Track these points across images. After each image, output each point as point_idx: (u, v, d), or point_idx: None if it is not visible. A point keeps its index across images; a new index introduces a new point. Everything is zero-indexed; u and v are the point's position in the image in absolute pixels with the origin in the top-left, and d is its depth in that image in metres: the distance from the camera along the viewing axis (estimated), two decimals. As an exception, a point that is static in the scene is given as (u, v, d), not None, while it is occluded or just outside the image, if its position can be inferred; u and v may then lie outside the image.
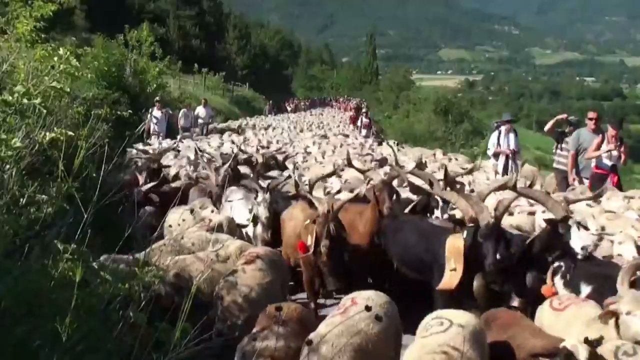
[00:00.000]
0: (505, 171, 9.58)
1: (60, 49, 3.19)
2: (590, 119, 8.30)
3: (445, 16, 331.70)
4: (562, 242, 4.12)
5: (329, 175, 6.98)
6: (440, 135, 32.61)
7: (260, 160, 8.66)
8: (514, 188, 4.56)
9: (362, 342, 2.95)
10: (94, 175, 3.17)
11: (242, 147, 11.20)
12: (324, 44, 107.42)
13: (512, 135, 9.90)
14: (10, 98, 2.65)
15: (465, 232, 4.02)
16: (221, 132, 18.86)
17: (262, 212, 5.48)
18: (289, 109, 45.37)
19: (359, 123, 25.03)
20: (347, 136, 20.79)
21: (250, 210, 5.68)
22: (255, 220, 5.55)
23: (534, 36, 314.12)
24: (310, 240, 4.57)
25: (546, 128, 9.34)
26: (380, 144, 19.43)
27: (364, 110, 27.87)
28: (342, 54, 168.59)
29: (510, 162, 9.75)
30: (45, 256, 2.78)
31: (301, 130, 24.80)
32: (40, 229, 2.91)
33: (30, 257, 2.77)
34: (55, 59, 3.06)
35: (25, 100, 2.71)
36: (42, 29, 4.85)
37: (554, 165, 9.18)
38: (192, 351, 2.63)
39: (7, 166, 2.81)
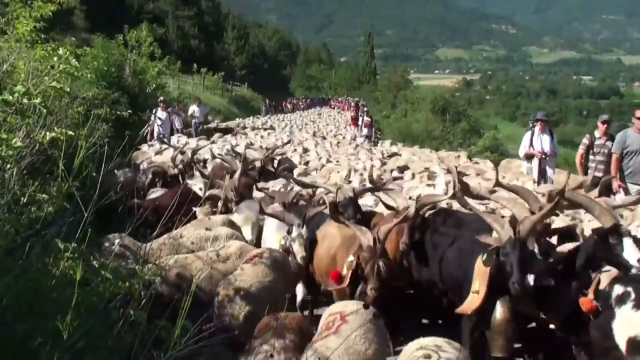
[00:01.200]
0: (541, 175, 8.78)
1: (60, 49, 3.20)
2: (639, 119, 7.26)
3: (443, 16, 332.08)
4: (613, 254, 3.52)
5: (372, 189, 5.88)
6: (438, 134, 32.71)
7: (257, 164, 8.16)
8: (561, 194, 3.90)
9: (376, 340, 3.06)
10: (94, 174, 3.19)
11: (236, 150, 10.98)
12: (322, 44, 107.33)
13: (546, 136, 8.98)
14: (11, 98, 2.65)
15: (485, 255, 3.55)
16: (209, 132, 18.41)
17: (298, 251, 4.54)
18: (286, 109, 45.31)
19: (359, 122, 24.89)
20: (354, 139, 20.25)
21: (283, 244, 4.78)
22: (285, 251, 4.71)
23: (531, 35, 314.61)
24: (346, 271, 3.98)
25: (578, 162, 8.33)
26: (375, 144, 19.32)
27: (365, 109, 27.73)
28: (340, 54, 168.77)
29: (544, 165, 8.90)
30: (46, 255, 2.80)
31: (299, 130, 24.72)
32: (40, 228, 2.93)
33: (31, 255, 2.78)
34: (55, 59, 3.07)
35: (25, 100, 2.71)
36: (41, 29, 4.86)
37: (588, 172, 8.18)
38: (192, 349, 2.65)
39: (8, 165, 2.83)
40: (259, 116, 34.82)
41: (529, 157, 9.07)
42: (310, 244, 4.71)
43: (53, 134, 3.00)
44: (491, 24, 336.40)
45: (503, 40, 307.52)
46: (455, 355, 2.83)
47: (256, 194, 6.67)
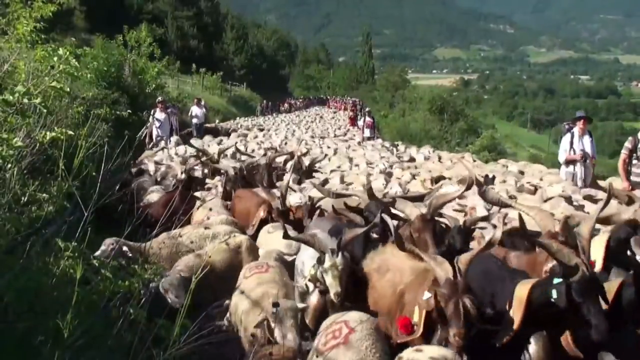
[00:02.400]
0: (585, 182, 8.08)
1: (60, 49, 3.22)
2: None
3: (441, 15, 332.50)
4: None
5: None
6: (436, 133, 32.72)
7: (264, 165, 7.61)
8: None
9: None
10: (94, 174, 3.21)
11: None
12: (320, 44, 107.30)
13: (587, 138, 8.30)
14: (11, 98, 2.68)
15: (554, 292, 2.95)
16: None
17: (332, 285, 3.58)
18: (282, 109, 45.25)
19: (361, 123, 24.42)
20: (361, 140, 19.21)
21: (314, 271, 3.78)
22: (315, 282, 3.75)
23: (529, 35, 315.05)
24: (417, 317, 3.12)
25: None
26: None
27: (367, 109, 27.29)
28: (339, 54, 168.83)
29: (587, 169, 8.27)
30: (46, 254, 2.83)
31: (292, 133, 24.34)
32: (41, 227, 2.95)
33: (31, 254, 2.80)
34: (55, 59, 3.09)
35: (25, 100, 2.74)
36: (42, 29, 4.88)
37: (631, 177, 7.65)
38: (192, 347, 2.68)
39: (9, 165, 2.85)
40: (255, 117, 34.66)
41: (569, 162, 8.39)
42: (352, 273, 3.75)
43: (53, 134, 3.03)
44: (489, 24, 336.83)
45: (501, 39, 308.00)
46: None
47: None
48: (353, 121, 31.32)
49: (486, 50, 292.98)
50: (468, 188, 4.45)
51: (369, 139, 20.11)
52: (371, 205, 4.43)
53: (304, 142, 16.05)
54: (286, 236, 3.93)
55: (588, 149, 8.27)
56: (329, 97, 61.48)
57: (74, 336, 2.38)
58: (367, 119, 22.19)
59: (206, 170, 8.22)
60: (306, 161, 9.34)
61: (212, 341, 3.09)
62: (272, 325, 3.39)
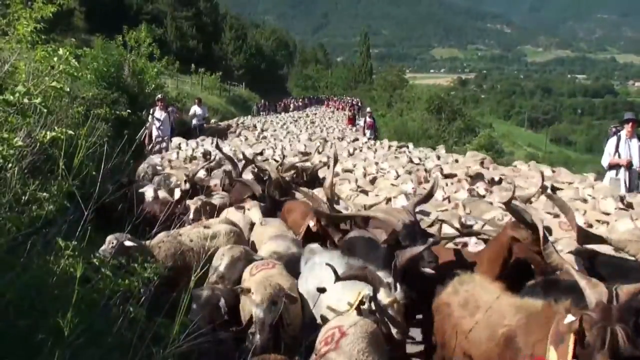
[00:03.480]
0: (630, 189, 7.69)
1: (60, 49, 3.24)
2: None
3: (439, 15, 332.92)
4: None
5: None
6: (434, 133, 32.75)
7: (273, 175, 6.52)
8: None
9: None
10: (94, 173, 3.23)
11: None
12: (318, 44, 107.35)
13: (635, 142, 7.84)
14: (12, 98, 2.69)
15: None
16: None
17: (396, 324, 3.19)
18: (279, 108, 45.25)
19: (361, 123, 24.28)
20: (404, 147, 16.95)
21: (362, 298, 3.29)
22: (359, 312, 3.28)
23: (526, 34, 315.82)
24: (553, 358, 2.58)
25: None
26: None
27: (367, 109, 27.15)
28: (337, 54, 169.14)
29: (633, 175, 7.87)
30: (46, 253, 2.84)
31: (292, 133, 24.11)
32: (41, 226, 2.96)
33: (32, 253, 2.81)
34: (55, 59, 3.11)
35: (26, 100, 2.76)
36: (42, 30, 4.89)
37: None
38: (191, 345, 2.70)
39: (9, 165, 2.86)
40: (251, 116, 34.55)
41: (613, 167, 7.97)
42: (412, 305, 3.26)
43: (53, 134, 3.04)
44: (486, 24, 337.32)
45: (498, 39, 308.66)
46: None
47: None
48: (352, 121, 31.41)
49: (483, 49, 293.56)
50: (543, 192, 4.23)
51: (369, 139, 20.05)
52: (407, 229, 3.80)
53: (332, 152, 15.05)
54: (337, 279, 3.32)
55: (635, 154, 7.86)
56: (327, 96, 61.55)
57: (74, 334, 2.39)
58: (368, 119, 22.12)
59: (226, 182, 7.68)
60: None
61: (212, 340, 3.11)
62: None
